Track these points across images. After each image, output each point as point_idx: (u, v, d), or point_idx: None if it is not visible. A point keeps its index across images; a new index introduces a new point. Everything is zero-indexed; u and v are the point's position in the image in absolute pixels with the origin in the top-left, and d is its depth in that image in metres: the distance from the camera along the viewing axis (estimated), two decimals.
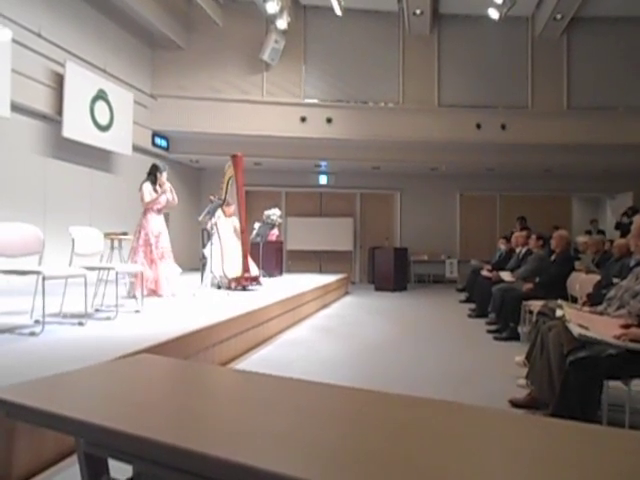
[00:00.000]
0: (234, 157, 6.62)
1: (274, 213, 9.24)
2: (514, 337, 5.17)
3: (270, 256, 8.66)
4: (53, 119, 7.45)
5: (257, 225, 8.51)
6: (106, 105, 8.34)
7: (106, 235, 4.84)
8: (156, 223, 5.46)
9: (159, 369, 1.82)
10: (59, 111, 7.40)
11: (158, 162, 5.84)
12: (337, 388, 1.53)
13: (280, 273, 9.34)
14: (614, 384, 2.55)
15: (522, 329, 5.15)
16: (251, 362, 4.08)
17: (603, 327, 2.60)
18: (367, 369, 4.02)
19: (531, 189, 12.47)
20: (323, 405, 1.37)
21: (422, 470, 0.96)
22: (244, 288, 6.44)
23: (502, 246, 8.29)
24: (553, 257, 5.41)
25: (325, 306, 7.71)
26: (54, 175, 7.54)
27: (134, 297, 4.97)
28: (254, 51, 10.43)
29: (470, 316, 6.83)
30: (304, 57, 10.90)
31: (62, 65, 7.44)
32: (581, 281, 4.55)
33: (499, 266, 7.14)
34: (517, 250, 6.92)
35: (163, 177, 5.56)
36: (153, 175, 5.56)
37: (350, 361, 4.25)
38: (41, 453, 2.04)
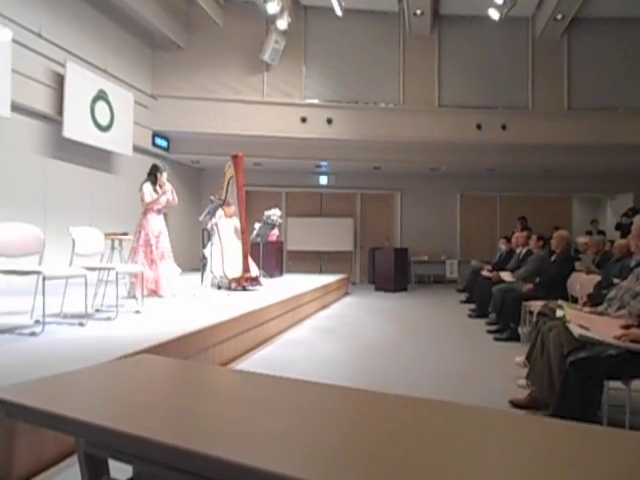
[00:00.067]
0: (235, 157, 6.62)
1: (274, 213, 9.23)
2: (514, 337, 5.17)
3: (270, 256, 8.65)
4: (53, 119, 7.45)
5: (257, 225, 8.50)
6: (106, 105, 8.35)
7: (106, 235, 4.84)
8: (156, 223, 5.47)
9: (159, 369, 1.82)
10: (59, 111, 7.40)
11: (158, 162, 5.84)
12: (337, 388, 1.53)
13: (280, 273, 9.34)
14: (614, 384, 2.55)
15: (522, 329, 5.15)
16: (251, 362, 4.08)
17: (603, 327, 2.60)
18: (367, 369, 4.02)
19: (531, 189, 12.47)
20: (323, 405, 1.37)
21: (422, 470, 0.96)
22: (244, 288, 6.44)
23: (502, 246, 8.29)
24: (553, 257, 5.41)
25: (325, 306, 7.72)
26: (54, 175, 7.54)
27: (134, 297, 4.97)
28: (254, 51, 10.43)
29: (470, 316, 6.83)
30: (304, 57, 10.90)
31: (62, 65, 7.44)
32: (581, 281, 4.55)
33: (499, 266, 7.14)
34: (517, 250, 6.92)
35: (163, 177, 5.56)
36: (153, 175, 5.56)
37: (350, 361, 4.25)
38: (41, 453, 2.04)
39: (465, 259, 11.78)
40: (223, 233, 6.71)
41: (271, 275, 8.36)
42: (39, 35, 7.15)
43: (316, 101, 10.81)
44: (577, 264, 6.06)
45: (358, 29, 10.85)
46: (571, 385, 2.42)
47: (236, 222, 6.98)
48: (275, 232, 9.50)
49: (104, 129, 8.29)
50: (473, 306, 7.24)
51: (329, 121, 10.32)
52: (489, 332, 5.56)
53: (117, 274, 4.35)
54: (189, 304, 5.09)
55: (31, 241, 3.64)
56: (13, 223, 3.64)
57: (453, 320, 6.69)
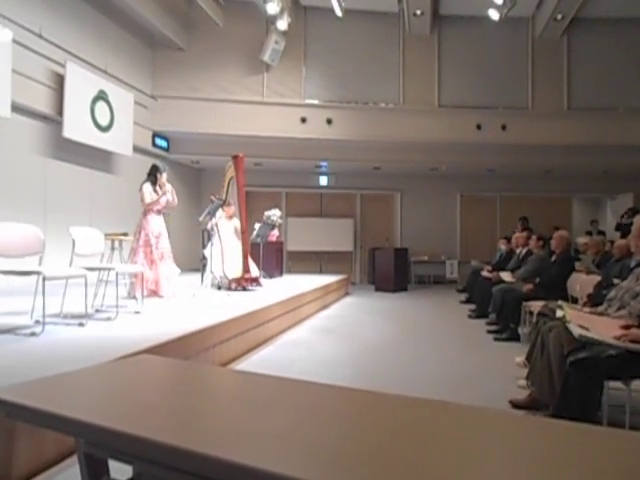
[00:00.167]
0: (235, 158, 6.62)
1: (274, 214, 9.24)
2: (514, 338, 5.17)
3: (270, 257, 8.65)
4: (53, 119, 7.46)
5: (257, 226, 8.50)
6: (106, 106, 8.35)
7: (106, 236, 4.84)
8: (156, 224, 5.47)
9: (159, 369, 1.82)
10: (59, 111, 7.41)
11: (158, 163, 5.83)
12: (337, 389, 1.53)
13: (280, 274, 9.34)
14: (614, 385, 2.55)
15: (522, 330, 5.15)
16: (251, 363, 4.08)
17: (603, 328, 2.60)
18: (367, 370, 4.02)
19: (531, 190, 12.47)
20: (323, 405, 1.37)
21: (422, 471, 0.96)
22: (244, 289, 6.44)
23: (503, 246, 8.29)
24: (553, 258, 5.41)
25: (325, 307, 7.72)
26: (54, 175, 7.54)
27: (134, 298, 4.97)
28: (254, 52, 10.44)
29: (470, 317, 6.83)
30: (304, 58, 10.91)
31: (62, 66, 7.44)
32: (581, 282, 4.55)
33: (499, 267, 7.14)
34: (517, 251, 6.92)
35: (163, 178, 5.56)
36: (153, 176, 5.55)
37: (350, 362, 4.25)
38: (41, 453, 2.04)
39: (465, 259, 11.78)
40: (223, 233, 6.71)
41: (271, 275, 8.36)
42: (39, 35, 7.15)
43: (316, 101, 10.81)
44: (577, 264, 6.06)
45: (358, 29, 10.86)
46: (571, 385, 2.42)
47: (236, 223, 6.98)
48: (275, 232, 9.50)
49: (104, 129, 8.30)
50: (473, 306, 7.24)
51: (329, 121, 10.33)
52: (489, 332, 5.56)
53: (117, 274, 4.35)
54: (189, 304, 5.09)
55: (31, 241, 3.64)
56: (13, 223, 3.65)
57: (453, 320, 6.69)
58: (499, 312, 5.60)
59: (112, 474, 1.43)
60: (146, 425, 1.15)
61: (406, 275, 11.15)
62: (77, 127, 7.66)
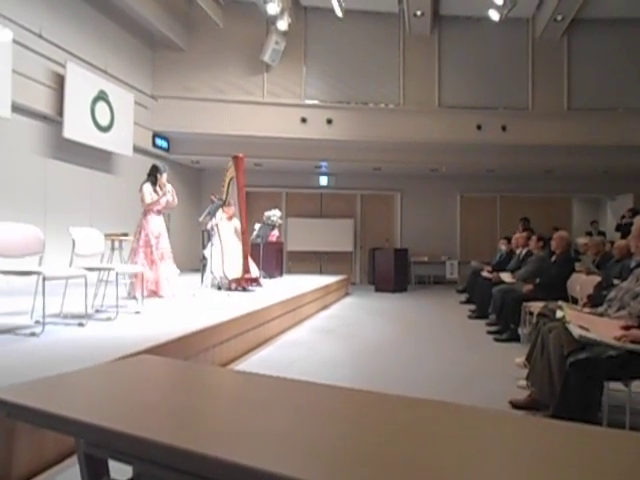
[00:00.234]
0: (235, 158, 6.62)
1: (274, 214, 9.24)
2: (514, 338, 5.17)
3: (270, 257, 8.66)
4: (54, 120, 7.46)
5: (257, 226, 8.51)
6: (107, 106, 8.35)
7: (106, 236, 4.84)
8: (156, 224, 5.47)
9: (159, 370, 1.82)
10: (60, 112, 7.41)
11: (158, 163, 5.83)
12: (337, 389, 1.53)
13: (280, 274, 9.34)
14: (614, 385, 2.55)
15: (522, 330, 5.15)
16: (251, 363, 4.08)
17: (603, 328, 2.60)
18: (367, 370, 4.02)
19: (531, 190, 12.48)
20: (323, 406, 1.37)
21: (422, 471, 0.96)
22: (244, 289, 6.44)
23: (503, 247, 8.29)
24: (553, 258, 5.41)
25: (325, 307, 7.71)
26: (54, 176, 7.54)
27: (134, 298, 4.97)
28: (255, 52, 10.44)
29: (470, 317, 6.83)
30: (305, 58, 10.91)
31: (63, 66, 7.44)
32: (581, 282, 4.55)
33: (499, 267, 7.14)
34: (517, 251, 6.92)
35: (163, 178, 5.56)
36: (153, 176, 5.55)
37: (350, 362, 4.25)
38: (41, 453, 2.04)
39: (465, 260, 11.78)
40: (223, 234, 6.71)
41: (271, 276, 8.36)
42: (39, 36, 7.16)
43: (316, 102, 10.82)
44: (577, 265, 6.06)
45: (358, 30, 10.86)
46: (571, 386, 2.42)
47: (236, 223, 6.98)
48: (275, 233, 9.50)
49: (104, 130, 8.30)
50: (473, 307, 7.24)
51: (329, 122, 10.33)
52: (489, 333, 5.56)
53: (117, 274, 4.35)
54: (189, 305, 5.09)
55: (31, 241, 3.64)
56: (13, 223, 3.64)
57: (453, 321, 6.69)
58: (499, 312, 5.60)
59: (112, 474, 1.43)
60: (146, 425, 1.15)
61: (406, 275, 11.15)
62: (77, 127, 7.66)
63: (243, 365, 4.00)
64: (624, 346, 2.38)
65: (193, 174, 12.03)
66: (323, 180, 12.64)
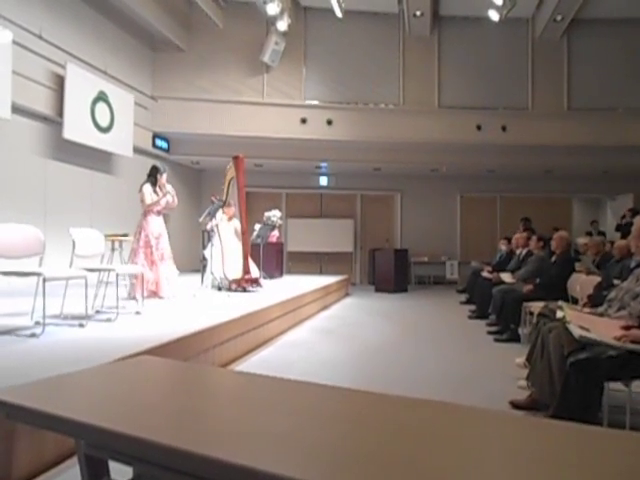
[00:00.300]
0: (235, 158, 6.62)
1: (274, 214, 9.24)
2: (514, 338, 5.17)
3: (270, 257, 8.66)
4: (54, 120, 7.46)
5: (257, 226, 8.51)
6: (107, 107, 8.35)
7: (106, 236, 4.84)
8: (156, 225, 5.47)
9: (159, 370, 1.82)
10: (60, 112, 7.41)
11: (158, 164, 5.84)
12: (337, 389, 1.53)
13: (280, 274, 9.34)
14: (615, 385, 2.55)
15: (523, 330, 5.14)
16: (251, 363, 4.07)
17: (604, 328, 2.59)
18: (367, 370, 4.02)
19: (531, 190, 12.48)
20: (323, 406, 1.37)
21: (422, 471, 0.96)
22: (244, 289, 6.43)
23: (503, 247, 8.29)
24: (553, 258, 5.41)
25: (325, 307, 7.71)
26: (55, 176, 7.54)
27: (134, 298, 4.97)
28: (254, 53, 10.45)
29: (470, 317, 6.83)
30: (304, 59, 10.92)
31: (63, 67, 7.45)
32: (581, 282, 4.55)
33: (500, 267, 7.14)
34: (517, 251, 6.92)
35: (163, 179, 5.56)
36: (153, 177, 5.56)
37: (350, 362, 4.25)
38: (41, 455, 2.04)
39: (465, 260, 11.77)
40: (223, 234, 6.71)
41: (271, 276, 8.36)
42: (39, 37, 7.16)
43: (316, 102, 10.82)
44: (577, 265, 6.05)
45: (358, 30, 10.87)
46: (571, 386, 2.42)
47: (236, 224, 6.98)
48: (275, 233, 9.50)
49: (104, 130, 8.30)
50: (473, 307, 7.24)
51: (329, 122, 10.33)
52: (489, 333, 5.56)
53: (117, 275, 4.35)
54: (189, 305, 5.09)
55: (32, 242, 3.64)
56: (14, 224, 3.64)
57: (453, 321, 6.69)
58: (499, 313, 5.60)
59: (112, 475, 1.43)
60: (146, 426, 1.15)
61: (406, 276, 11.15)
62: (77, 128, 7.66)
63: (243, 366, 3.99)
64: (624, 346, 2.38)
65: (193, 175, 12.04)
66: (323, 180, 12.65)
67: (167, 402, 1.40)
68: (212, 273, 6.58)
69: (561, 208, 12.64)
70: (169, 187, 5.57)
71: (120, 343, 3.08)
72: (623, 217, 9.61)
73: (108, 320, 4.00)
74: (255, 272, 6.85)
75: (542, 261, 5.67)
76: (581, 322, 2.68)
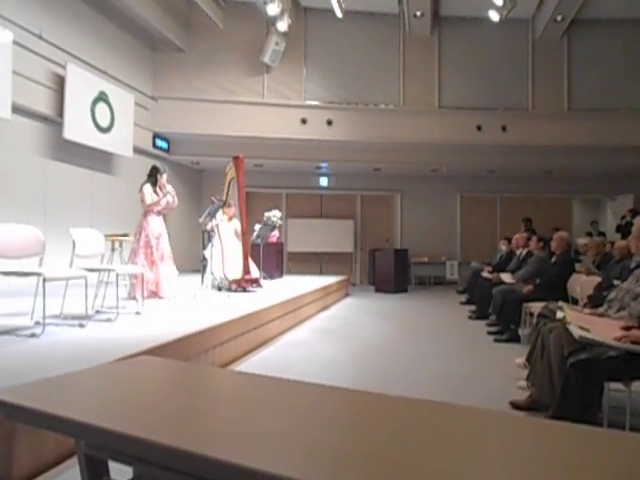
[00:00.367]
0: (236, 159, 6.63)
1: (274, 215, 9.24)
2: (515, 339, 5.17)
3: (270, 258, 8.66)
4: (54, 121, 7.46)
5: (257, 227, 8.51)
6: (107, 107, 8.35)
7: (107, 237, 4.84)
8: (156, 225, 5.47)
9: (159, 371, 1.82)
10: (60, 113, 7.41)
11: (158, 164, 5.84)
12: (337, 390, 1.53)
13: (280, 275, 9.34)
14: (615, 386, 2.55)
15: (523, 331, 5.14)
16: (251, 364, 4.08)
17: (604, 329, 2.59)
18: (367, 371, 4.02)
19: (532, 191, 12.48)
20: (323, 407, 1.37)
21: (422, 472, 0.96)
22: (244, 290, 6.44)
23: (503, 247, 8.29)
24: (553, 259, 5.41)
25: (325, 308, 7.71)
26: (55, 176, 7.54)
27: (134, 299, 4.97)
28: (255, 53, 10.45)
29: (470, 318, 6.83)
30: (305, 59, 10.92)
31: (63, 67, 7.45)
32: (582, 283, 4.54)
33: (500, 268, 7.14)
34: (518, 252, 6.92)
35: (163, 179, 5.57)
36: (153, 177, 5.56)
37: (350, 363, 4.25)
38: (41, 455, 2.04)
39: (465, 260, 11.77)
40: (223, 234, 6.71)
41: (271, 276, 8.36)
42: (39, 37, 7.16)
43: (316, 102, 10.82)
44: (577, 265, 6.06)
45: (358, 31, 10.87)
46: (571, 387, 2.42)
47: (237, 224, 6.98)
48: (275, 233, 9.50)
49: (104, 130, 8.30)
50: (473, 307, 7.24)
51: (329, 122, 10.34)
52: (489, 333, 5.56)
53: (117, 275, 4.35)
54: (189, 305, 5.09)
55: (32, 242, 3.64)
56: (14, 224, 3.64)
57: (453, 321, 6.69)
58: (499, 313, 5.60)
59: (112, 475, 1.43)
60: (146, 426, 1.15)
61: (406, 276, 11.15)
62: (77, 128, 7.66)
63: (243, 366, 3.99)
64: (624, 347, 2.38)
65: (193, 175, 12.04)
66: (323, 181, 12.65)
67: (167, 402, 1.40)
68: (212, 273, 6.58)
69: (561, 208, 12.64)
70: (169, 187, 5.58)
71: (120, 343, 3.08)
72: (623, 217, 9.61)
73: (108, 320, 4.00)
74: (255, 272, 6.85)
75: (542, 261, 5.67)
76: (581, 322, 2.68)
